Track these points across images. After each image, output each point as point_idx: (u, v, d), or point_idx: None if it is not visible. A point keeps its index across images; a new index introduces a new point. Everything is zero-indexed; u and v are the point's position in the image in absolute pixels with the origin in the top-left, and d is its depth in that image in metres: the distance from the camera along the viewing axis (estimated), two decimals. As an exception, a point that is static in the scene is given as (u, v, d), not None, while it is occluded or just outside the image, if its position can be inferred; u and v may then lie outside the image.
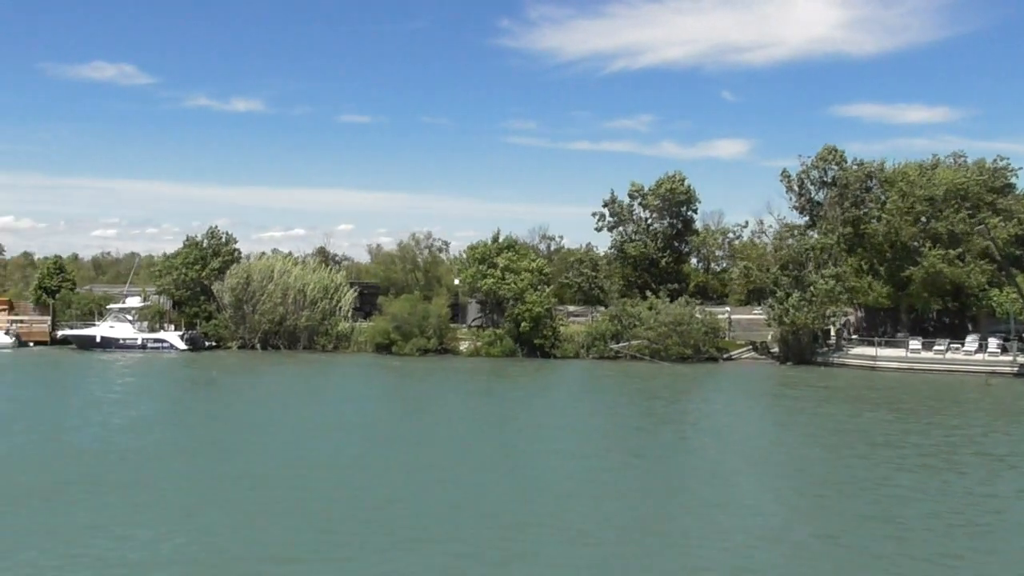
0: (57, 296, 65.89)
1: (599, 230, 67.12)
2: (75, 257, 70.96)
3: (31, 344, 63.32)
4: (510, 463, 26.38)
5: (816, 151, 61.25)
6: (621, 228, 65.98)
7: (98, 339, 61.32)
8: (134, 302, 63.57)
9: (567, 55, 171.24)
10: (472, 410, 38.67)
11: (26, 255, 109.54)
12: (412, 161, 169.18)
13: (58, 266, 67.90)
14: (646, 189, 65.28)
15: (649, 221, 65.68)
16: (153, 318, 63.73)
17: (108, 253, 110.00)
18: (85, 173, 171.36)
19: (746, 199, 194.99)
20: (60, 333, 63.43)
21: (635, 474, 25.26)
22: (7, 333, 62.68)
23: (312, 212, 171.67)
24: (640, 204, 65.23)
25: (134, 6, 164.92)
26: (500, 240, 64.15)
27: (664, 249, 64.01)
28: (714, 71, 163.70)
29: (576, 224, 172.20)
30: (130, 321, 62.42)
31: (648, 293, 61.11)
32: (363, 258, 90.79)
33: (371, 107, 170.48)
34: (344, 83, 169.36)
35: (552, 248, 75.97)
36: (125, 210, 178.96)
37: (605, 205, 66.35)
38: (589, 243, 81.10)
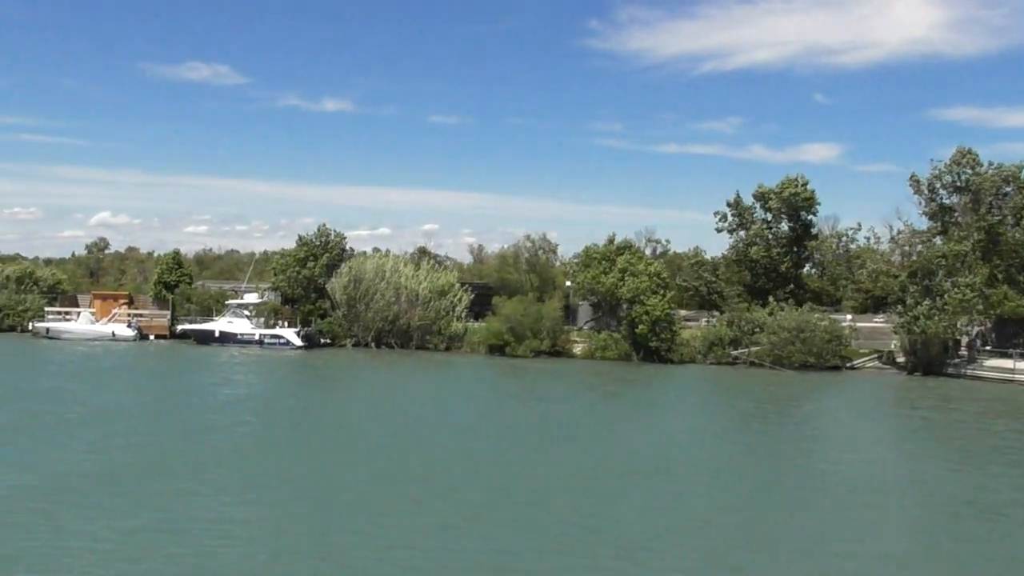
0: (176, 291, 67.11)
1: (720, 231, 65.91)
2: (177, 253, 71.91)
3: (151, 337, 64.58)
4: (663, 476, 25.62)
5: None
6: (742, 231, 64.55)
7: (217, 334, 62.28)
8: (251, 298, 64.44)
9: (656, 57, 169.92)
10: (614, 418, 37.99)
11: (131, 250, 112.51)
12: (498, 162, 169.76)
13: (176, 261, 69.26)
14: (766, 190, 63.80)
15: (770, 224, 64.21)
16: (268, 315, 64.52)
17: (209, 249, 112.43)
18: (180, 171, 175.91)
19: (837, 204, 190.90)
20: (180, 327, 64.55)
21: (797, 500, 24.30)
22: (129, 326, 64.04)
23: (398, 211, 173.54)
24: (763, 207, 63.77)
25: (230, 9, 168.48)
26: (616, 242, 63.43)
27: (785, 253, 62.49)
28: (806, 73, 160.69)
29: (664, 226, 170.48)
30: (247, 317, 63.23)
31: (770, 298, 59.73)
32: (461, 258, 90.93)
33: (459, 108, 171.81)
34: (433, 84, 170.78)
35: (658, 251, 74.74)
36: (216, 207, 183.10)
37: (729, 206, 65.08)
38: (697, 247, 79.78)
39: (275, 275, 65.95)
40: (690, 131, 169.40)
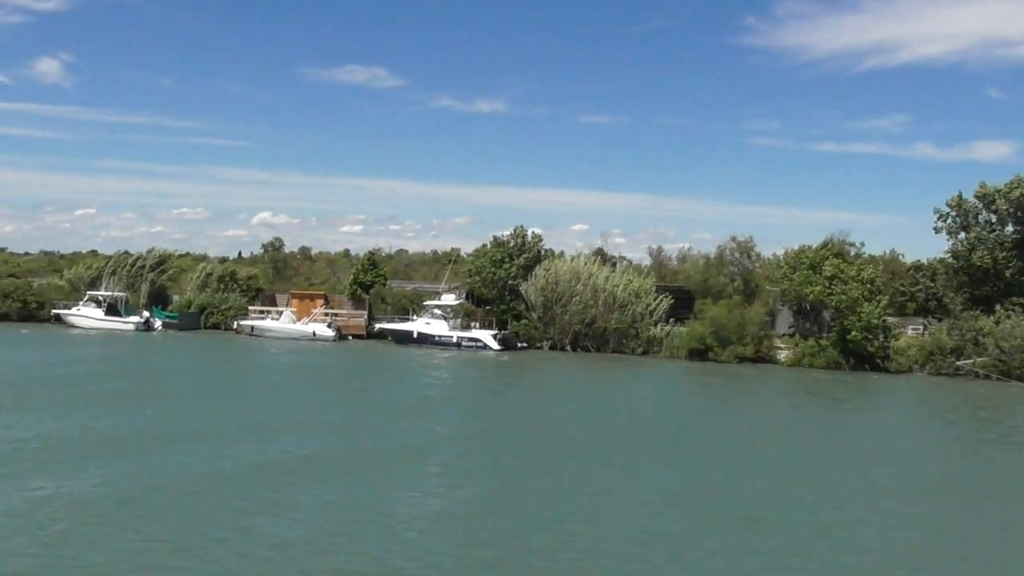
0: (371, 291, 68.19)
1: (938, 232, 62.46)
2: (372, 253, 73.21)
3: (349, 337, 65.76)
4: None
5: None
6: (963, 234, 61.02)
7: (415, 335, 62.87)
8: (449, 299, 64.78)
9: (815, 53, 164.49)
10: (880, 431, 36.13)
11: (303, 249, 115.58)
12: (649, 162, 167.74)
13: (372, 261, 70.38)
14: (990, 190, 60.08)
15: (994, 227, 60.51)
16: (462, 316, 64.84)
17: (379, 249, 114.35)
18: (336, 172, 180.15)
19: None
20: (377, 327, 65.49)
21: None
22: (329, 326, 65.33)
23: (548, 212, 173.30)
24: (989, 209, 60.09)
25: (388, 12, 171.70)
26: (828, 246, 61.13)
27: (1012, 258, 58.76)
28: (978, 67, 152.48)
29: (822, 228, 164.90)
30: (445, 318, 63.62)
31: (997, 306, 56.31)
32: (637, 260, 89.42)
33: (611, 108, 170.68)
34: (584, 84, 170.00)
35: (852, 255, 71.57)
36: (371, 207, 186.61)
37: (950, 207, 61.64)
38: (893, 249, 76.35)
39: (469, 276, 66.18)
40: (851, 129, 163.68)
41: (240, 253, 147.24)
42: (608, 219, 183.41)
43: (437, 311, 64.13)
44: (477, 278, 65.66)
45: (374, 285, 68.77)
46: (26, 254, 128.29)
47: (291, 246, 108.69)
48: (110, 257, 76.64)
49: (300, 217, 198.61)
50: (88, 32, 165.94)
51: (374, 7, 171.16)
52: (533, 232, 67.32)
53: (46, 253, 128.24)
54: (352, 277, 69.75)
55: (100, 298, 67.81)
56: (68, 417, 28.99)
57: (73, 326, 66.74)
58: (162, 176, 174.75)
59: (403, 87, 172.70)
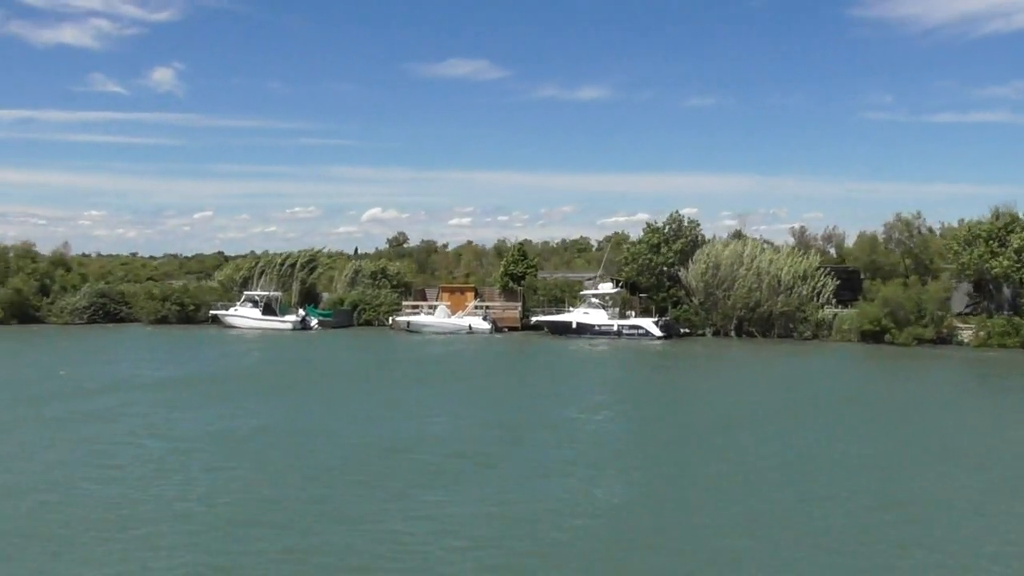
0: (523, 282, 67.58)
1: None
2: (521, 244, 72.63)
3: (505, 329, 65.27)
4: None
5: None
6: None
7: (574, 325, 61.96)
8: (607, 287, 63.71)
9: (929, 21, 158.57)
10: None
11: (427, 243, 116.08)
12: (758, 141, 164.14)
13: (521, 252, 69.74)
14: None
15: None
16: (620, 304, 63.73)
17: (503, 240, 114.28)
18: (444, 165, 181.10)
19: None
20: (533, 319, 64.81)
21: None
22: (485, 319, 64.94)
23: (655, 196, 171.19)
24: None
25: (487, 4, 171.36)
26: (998, 218, 58.07)
27: None
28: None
29: (944, 201, 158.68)
30: (603, 307, 62.61)
31: None
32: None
33: (717, 89, 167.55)
34: (689, 66, 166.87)
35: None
36: (478, 199, 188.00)
37: None
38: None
39: (625, 264, 65.03)
40: (970, 98, 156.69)
41: (356, 249, 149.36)
42: (716, 202, 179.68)
43: (594, 300, 63.15)
44: (633, 265, 64.38)
45: (525, 276, 68.10)
46: (151, 257, 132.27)
47: (435, 240, 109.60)
48: (259, 257, 77.71)
49: (409, 212, 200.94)
50: (199, 41, 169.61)
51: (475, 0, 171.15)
52: (688, 217, 65.77)
53: (174, 256, 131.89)
54: (502, 269, 69.19)
55: (256, 298, 68.70)
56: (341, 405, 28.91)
57: (231, 326, 67.78)
58: (275, 177, 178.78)
59: (506, 78, 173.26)
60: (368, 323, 69.41)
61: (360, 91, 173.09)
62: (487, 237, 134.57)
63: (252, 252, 77.15)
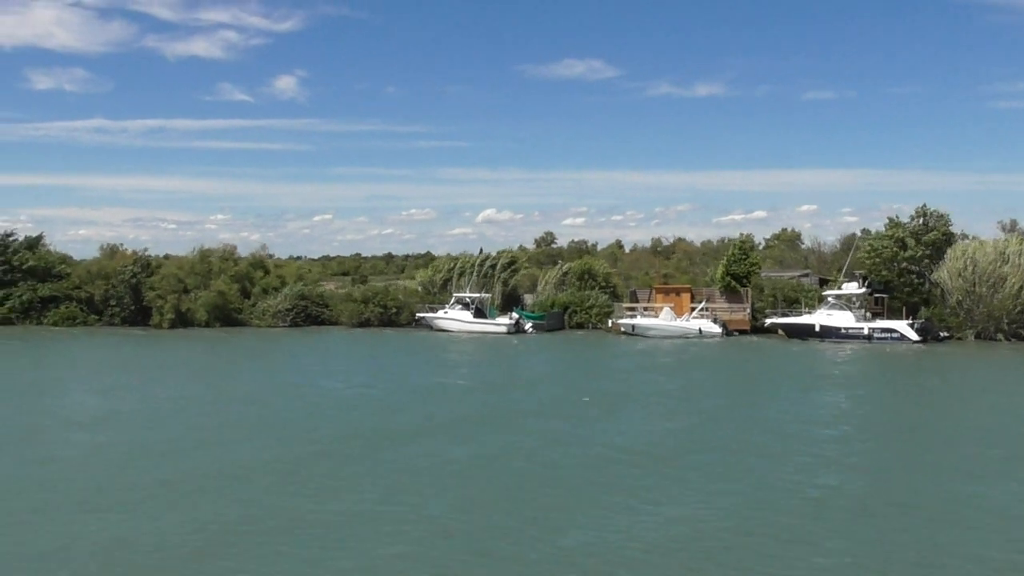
0: (746, 282, 63.68)
1: None
2: (743, 241, 68.54)
3: (735, 332, 61.47)
4: None
5: None
6: None
7: (817, 328, 57.77)
8: (851, 287, 59.38)
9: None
10: None
11: (579, 243, 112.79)
12: (880, 135, 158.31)
13: (743, 251, 65.75)
14: None
15: None
16: (865, 305, 59.41)
17: (659, 240, 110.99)
18: (557, 166, 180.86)
19: None
20: (768, 321, 60.82)
21: None
22: (715, 321, 61.25)
23: (771, 194, 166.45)
24: None
25: (600, 3, 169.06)
26: None
27: None
28: None
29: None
30: (849, 309, 58.31)
31: None
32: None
33: (836, 82, 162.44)
34: (807, 59, 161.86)
35: None
36: (592, 199, 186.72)
37: None
38: None
39: (868, 260, 60.61)
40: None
41: (482, 250, 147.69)
42: (836, 198, 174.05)
43: (837, 301, 58.90)
44: (877, 261, 59.93)
45: (749, 275, 64.15)
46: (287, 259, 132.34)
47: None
48: (456, 259, 75.31)
49: (523, 212, 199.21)
50: (320, 48, 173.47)
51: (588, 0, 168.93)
52: (937, 212, 60.94)
53: (311, 259, 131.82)
54: (723, 268, 65.33)
55: (467, 300, 66.21)
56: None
57: (441, 329, 65.42)
58: (392, 180, 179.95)
59: (619, 77, 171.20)
60: (580, 326, 66.28)
61: (474, 93, 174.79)
62: (601, 237, 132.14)
63: (448, 254, 74.78)
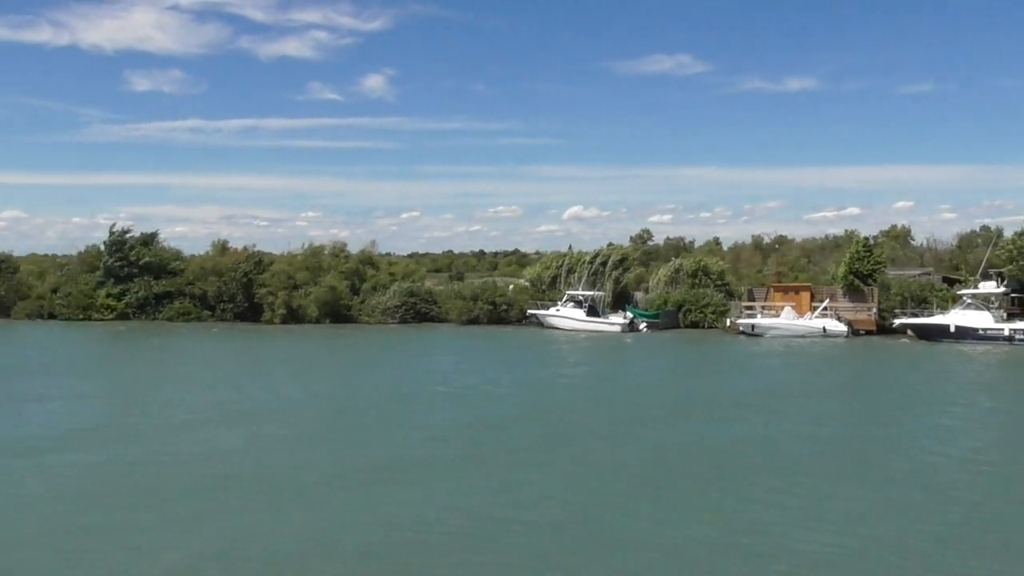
0: (873, 280, 61.45)
1: None
2: (866, 239, 66.10)
3: (861, 332, 59.36)
4: None
5: None
6: None
7: (952, 328, 55.36)
8: (990, 287, 56.84)
9: None
10: None
11: (675, 239, 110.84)
12: (982, 129, 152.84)
13: (867, 248, 63.45)
14: None
15: None
16: (1002, 306, 56.84)
17: (762, 237, 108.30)
18: (645, 162, 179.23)
19: None
20: (897, 321, 58.56)
21: None
22: (840, 319, 59.27)
23: (866, 191, 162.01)
24: None
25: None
26: None
27: None
28: None
29: None
30: (988, 309, 55.82)
31: None
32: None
33: (934, 74, 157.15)
34: (903, 52, 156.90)
35: None
36: (680, 195, 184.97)
37: None
38: None
39: (1011, 261, 57.96)
40: None
41: (571, 246, 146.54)
42: (933, 195, 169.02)
43: (971, 300, 56.42)
44: (1020, 262, 57.29)
45: (873, 274, 61.87)
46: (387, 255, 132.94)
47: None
48: (564, 256, 74.39)
49: (610, 209, 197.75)
50: (409, 47, 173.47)
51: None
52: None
53: (384, 255, 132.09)
54: (845, 266, 63.10)
55: (580, 298, 65.21)
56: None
57: (554, 327, 64.50)
58: (479, 177, 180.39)
59: (708, 72, 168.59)
60: (695, 324, 64.68)
61: (560, 90, 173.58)
62: (689, 234, 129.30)
63: (557, 250, 74.04)
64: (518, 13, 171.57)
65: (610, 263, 70.33)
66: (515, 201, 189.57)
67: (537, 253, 78.04)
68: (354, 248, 77.69)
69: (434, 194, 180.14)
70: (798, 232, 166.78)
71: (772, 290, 66.24)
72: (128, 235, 74.63)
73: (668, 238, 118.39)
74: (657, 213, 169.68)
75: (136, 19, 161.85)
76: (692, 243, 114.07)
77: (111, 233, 74.38)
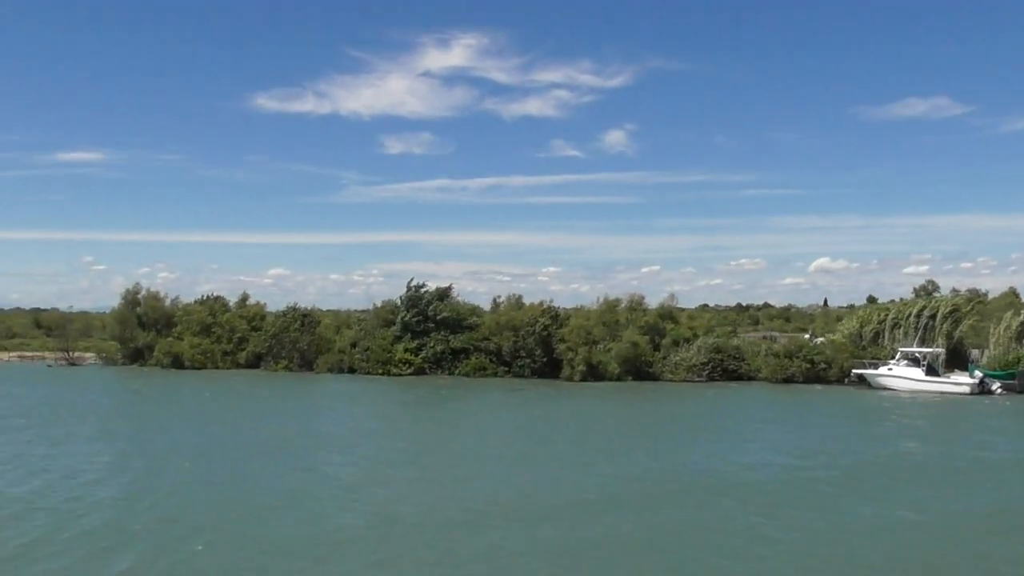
0: None
1: None
2: (1014, 292, 57.23)
3: None
4: None
5: None
6: None
7: None
8: None
9: None
10: None
11: (970, 291, 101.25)
12: None
13: None
14: None
15: None
16: None
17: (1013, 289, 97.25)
18: (897, 211, 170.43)
19: None
20: None
21: None
22: None
23: None
24: None
25: (948, 38, 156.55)
26: None
27: None
28: None
29: None
30: None
31: None
32: None
33: None
34: None
35: None
36: (937, 245, 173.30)
37: None
38: None
39: None
40: None
41: (825, 301, 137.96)
42: None
43: None
44: None
45: None
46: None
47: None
48: (887, 308, 68.34)
49: (859, 261, 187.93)
50: (649, 101, 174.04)
51: (933, 34, 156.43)
52: None
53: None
54: None
55: (918, 355, 59.02)
56: None
57: (884, 388, 58.57)
58: (720, 230, 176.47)
59: (968, 114, 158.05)
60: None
61: (803, 139, 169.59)
62: (947, 287, 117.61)
63: (877, 300, 68.10)
64: (758, 63, 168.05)
65: (939, 315, 63.66)
66: (758, 253, 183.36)
67: (877, 304, 71.96)
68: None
69: (674, 247, 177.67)
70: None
71: None
72: (424, 290, 75.08)
73: (958, 290, 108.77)
74: (912, 264, 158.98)
75: (391, 86, 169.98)
76: (987, 294, 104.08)
77: (408, 288, 75.16)
